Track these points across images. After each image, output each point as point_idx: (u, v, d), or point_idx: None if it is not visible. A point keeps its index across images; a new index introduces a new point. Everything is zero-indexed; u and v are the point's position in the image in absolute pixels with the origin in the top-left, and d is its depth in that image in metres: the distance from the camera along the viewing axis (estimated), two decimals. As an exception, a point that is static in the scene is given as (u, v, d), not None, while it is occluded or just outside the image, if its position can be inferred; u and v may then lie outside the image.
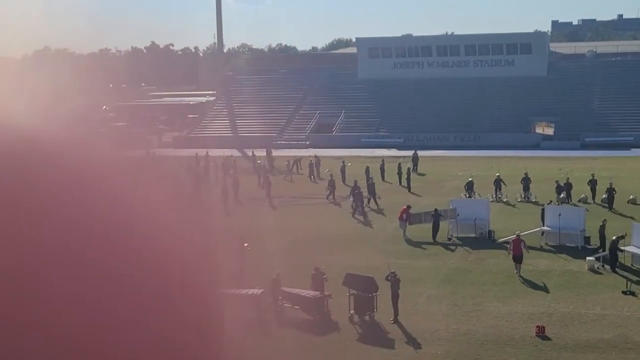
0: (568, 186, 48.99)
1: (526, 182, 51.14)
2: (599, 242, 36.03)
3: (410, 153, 68.79)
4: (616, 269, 33.18)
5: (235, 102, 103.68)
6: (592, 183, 49.38)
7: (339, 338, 26.26)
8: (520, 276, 32.56)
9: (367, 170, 57.15)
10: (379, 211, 48.08)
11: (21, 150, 2.82)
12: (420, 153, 69.36)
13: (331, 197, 52.52)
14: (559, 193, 48.99)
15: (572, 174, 57.17)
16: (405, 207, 42.10)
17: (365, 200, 49.26)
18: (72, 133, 3.26)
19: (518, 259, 33.10)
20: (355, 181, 50.95)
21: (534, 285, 31.57)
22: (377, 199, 50.06)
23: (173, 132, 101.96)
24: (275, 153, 72.70)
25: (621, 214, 44.69)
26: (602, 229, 36.43)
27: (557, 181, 50.28)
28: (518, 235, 34.04)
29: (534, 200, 49.61)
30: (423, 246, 38.86)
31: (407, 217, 41.04)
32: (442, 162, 66.08)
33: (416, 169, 64.51)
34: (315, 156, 65.33)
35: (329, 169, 62.33)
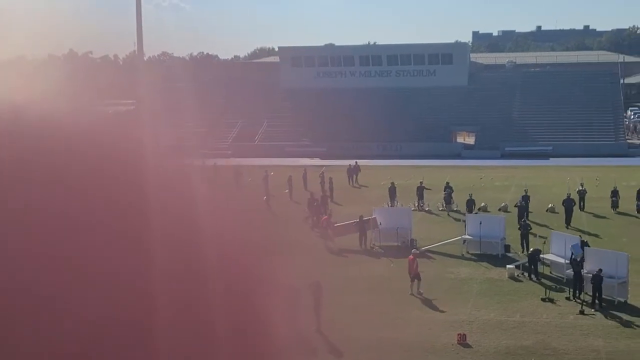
0: (471, 202, 48.37)
1: (448, 191, 51.48)
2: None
3: (336, 162, 68.86)
4: (538, 277, 33.68)
5: (156, 111, 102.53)
6: (525, 199, 47.20)
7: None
8: (414, 295, 31.78)
9: (290, 180, 57.08)
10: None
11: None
12: (342, 162, 69.46)
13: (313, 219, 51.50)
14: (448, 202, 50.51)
15: (492, 183, 58.08)
16: (326, 216, 42.21)
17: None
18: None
19: (413, 277, 32.23)
20: (312, 193, 50.50)
21: (455, 294, 31.84)
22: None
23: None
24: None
25: (539, 223, 45.27)
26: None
27: (447, 183, 51.56)
28: (414, 254, 33.48)
29: (455, 209, 49.98)
30: (347, 255, 38.90)
31: (327, 226, 41.15)
32: (364, 172, 66.14)
33: (356, 179, 64.28)
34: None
35: (251, 178, 62.09)
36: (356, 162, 66.53)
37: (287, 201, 55.09)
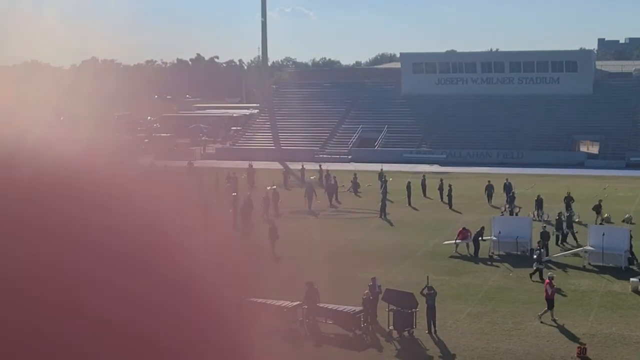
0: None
1: (568, 201, 50.19)
2: None
3: (455, 170, 68.03)
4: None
5: (279, 115, 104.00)
6: None
7: (376, 354, 26.14)
8: (543, 322, 29.02)
9: (409, 186, 56.97)
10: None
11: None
12: (461, 169, 68.75)
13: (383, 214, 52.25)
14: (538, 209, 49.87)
15: (616, 194, 56.69)
16: (462, 228, 41.57)
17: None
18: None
19: (548, 303, 29.35)
20: (560, 213, 44.91)
21: (576, 306, 31.22)
22: (575, 233, 43.99)
23: (216, 143, 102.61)
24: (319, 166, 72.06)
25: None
26: None
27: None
28: (550, 278, 30.21)
29: (576, 220, 48.61)
30: (463, 263, 38.62)
31: (463, 237, 40.73)
32: (484, 179, 65.35)
33: (510, 199, 54.31)
34: (355, 174, 64.79)
35: (370, 183, 62.44)
36: (507, 180, 58.78)
37: (405, 207, 55.19)
